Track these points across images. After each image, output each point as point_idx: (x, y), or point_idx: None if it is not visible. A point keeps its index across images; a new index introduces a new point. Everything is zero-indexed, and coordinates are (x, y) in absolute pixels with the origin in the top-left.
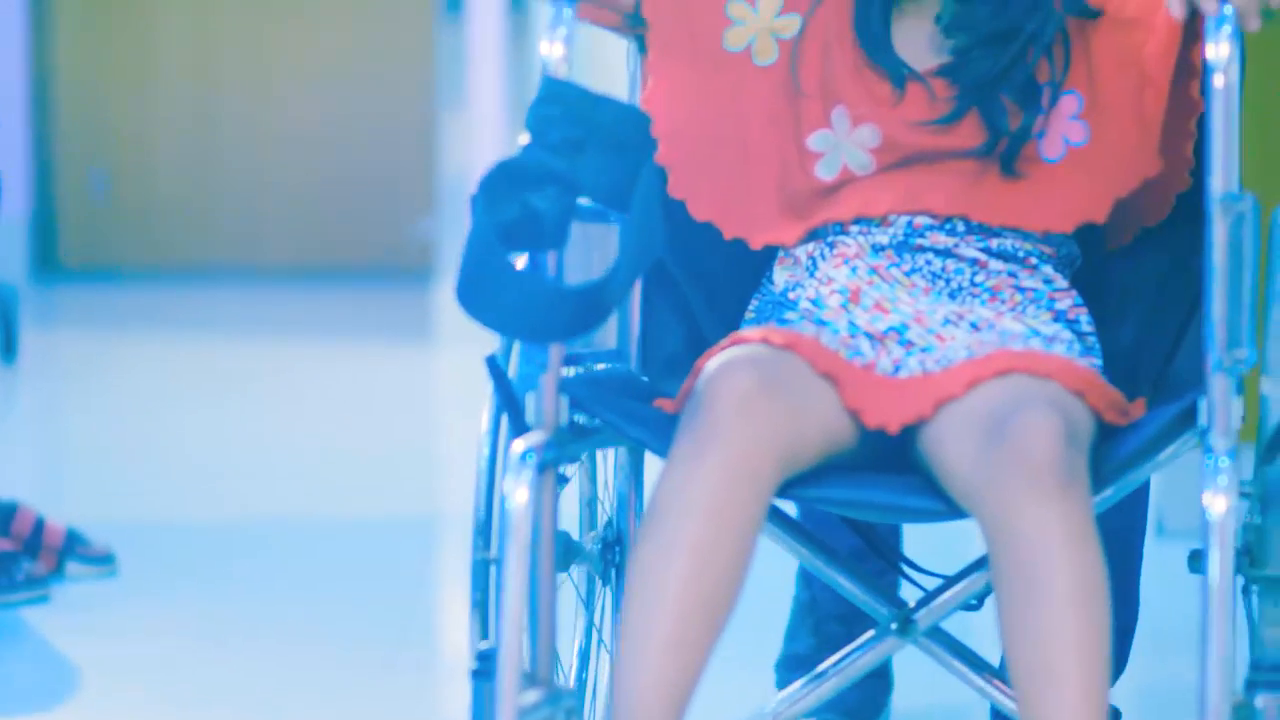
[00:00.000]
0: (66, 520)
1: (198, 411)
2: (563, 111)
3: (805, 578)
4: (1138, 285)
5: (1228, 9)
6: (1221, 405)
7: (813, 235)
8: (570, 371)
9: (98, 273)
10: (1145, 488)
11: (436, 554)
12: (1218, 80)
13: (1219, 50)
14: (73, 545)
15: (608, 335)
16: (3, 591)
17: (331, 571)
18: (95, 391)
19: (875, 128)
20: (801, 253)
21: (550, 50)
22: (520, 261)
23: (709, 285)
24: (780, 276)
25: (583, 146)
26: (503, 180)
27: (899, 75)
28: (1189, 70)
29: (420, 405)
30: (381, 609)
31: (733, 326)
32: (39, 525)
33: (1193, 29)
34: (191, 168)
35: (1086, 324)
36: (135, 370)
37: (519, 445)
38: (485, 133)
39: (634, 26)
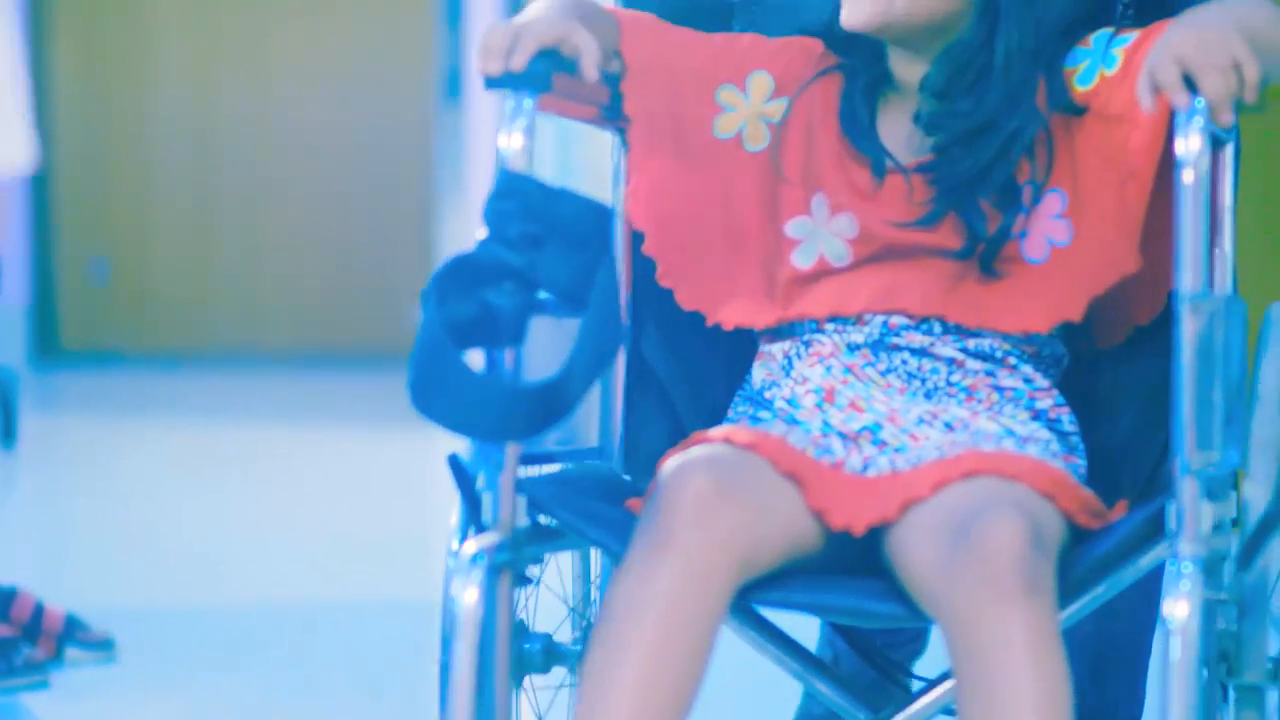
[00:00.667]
0: (66, 605)
1: (197, 496)
2: (520, 206)
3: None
4: (1130, 385)
5: (1199, 102)
6: (1190, 509)
7: (789, 332)
8: (536, 471)
9: (97, 357)
10: (1155, 584)
11: (434, 639)
12: (1186, 176)
13: (1188, 145)
14: (72, 630)
15: (590, 433)
16: (2, 677)
17: (330, 656)
18: (95, 476)
19: (853, 218)
20: (778, 350)
21: (509, 142)
22: (479, 358)
23: (693, 381)
24: (758, 375)
25: (541, 241)
26: (458, 276)
27: (880, 164)
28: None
29: (418, 490)
30: (381, 693)
31: (715, 424)
32: (38, 610)
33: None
34: (190, 254)
35: (1069, 423)
36: (135, 455)
37: (470, 546)
38: None
39: (610, 119)
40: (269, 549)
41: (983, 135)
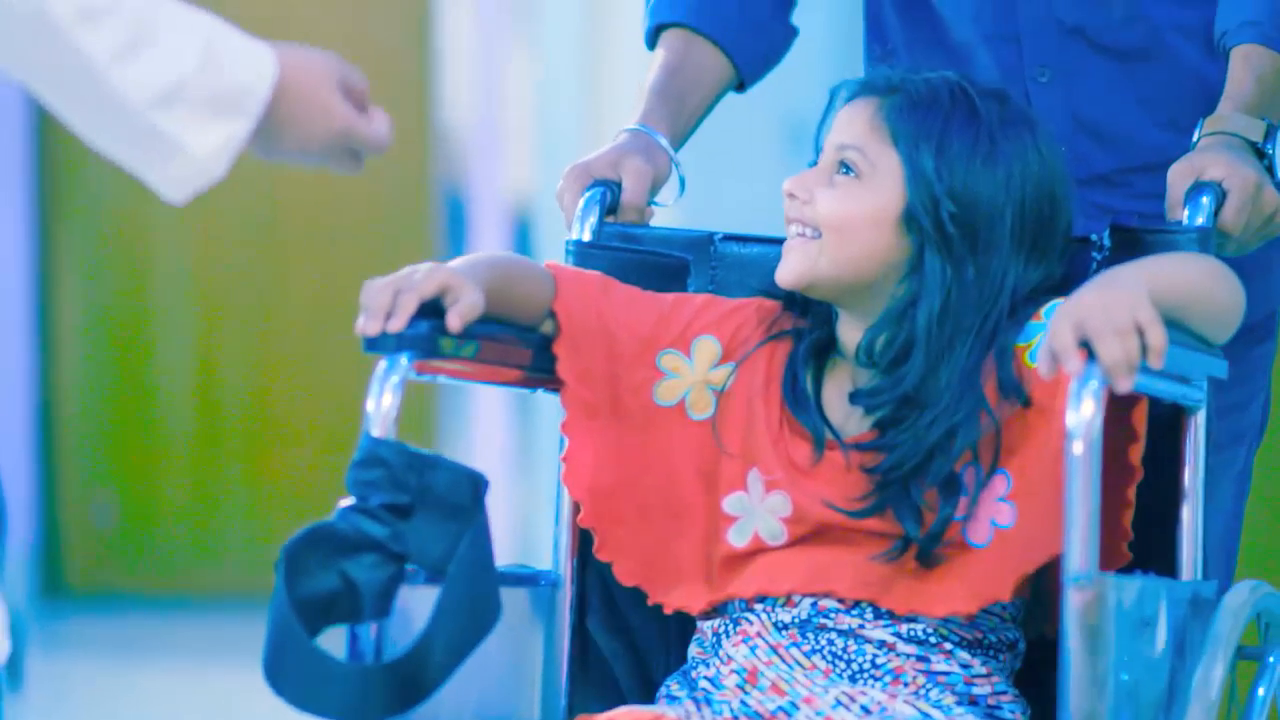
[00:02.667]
0: None
1: None
2: (385, 475)
3: None
4: None
5: (1094, 368)
6: None
7: (720, 610)
8: None
9: (103, 598)
10: None
11: None
12: (1075, 447)
13: (1079, 413)
14: None
15: (532, 707)
16: None
17: None
18: None
19: (786, 496)
20: (709, 628)
21: (377, 405)
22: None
23: (637, 656)
24: (692, 651)
25: (410, 511)
26: (316, 546)
27: (819, 438)
28: (1129, 434)
29: None
30: None
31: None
32: None
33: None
34: (196, 495)
35: (1011, 712)
36: (143, 700)
37: None
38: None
39: (539, 382)
40: None
41: (918, 418)
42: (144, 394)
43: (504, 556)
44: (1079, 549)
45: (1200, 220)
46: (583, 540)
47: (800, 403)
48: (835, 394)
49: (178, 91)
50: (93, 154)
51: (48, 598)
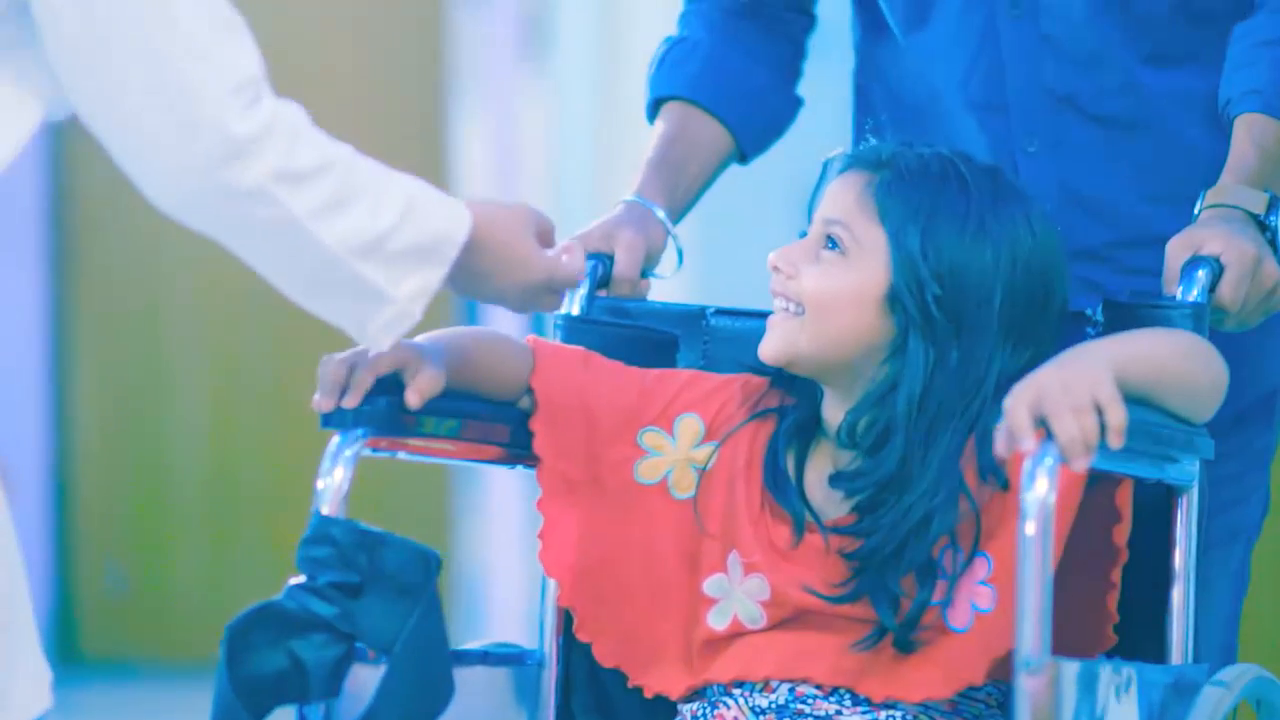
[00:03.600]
0: None
1: None
2: (334, 554)
3: None
4: None
5: (1053, 448)
6: None
7: (699, 693)
8: None
9: (119, 666)
10: None
11: None
12: (1028, 528)
13: (1033, 492)
14: None
15: None
16: None
17: None
18: None
19: (764, 580)
20: (687, 711)
21: (328, 481)
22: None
23: None
24: None
25: (361, 590)
26: (260, 626)
27: (799, 521)
28: (1113, 514)
29: None
30: None
31: None
32: None
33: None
34: (210, 561)
35: None
36: None
37: None
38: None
39: (517, 457)
40: None
41: (896, 502)
42: (159, 461)
43: (511, 635)
44: (1031, 633)
45: (1194, 296)
46: (568, 619)
47: (780, 485)
48: (817, 475)
49: (380, 243)
50: (107, 225)
51: (63, 665)
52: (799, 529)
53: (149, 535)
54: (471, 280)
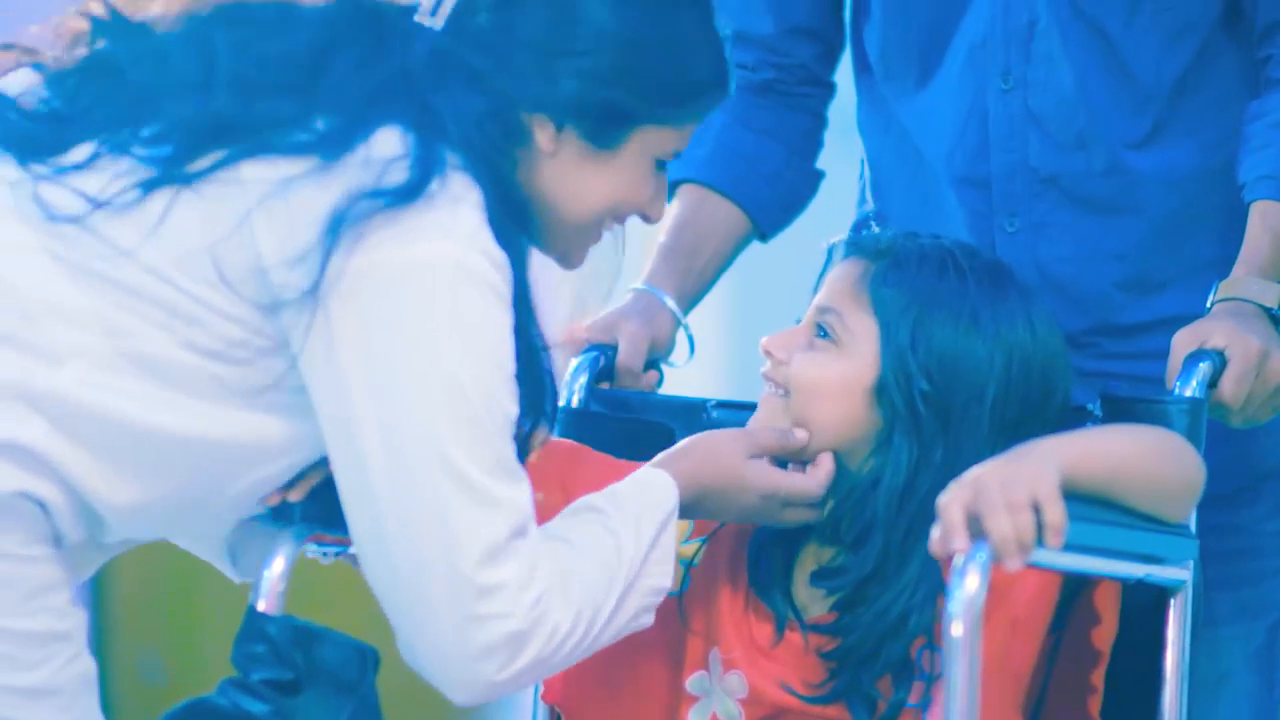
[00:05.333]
0: None
1: None
2: (269, 650)
3: None
4: None
5: (987, 546)
6: None
7: None
8: None
9: None
10: None
11: None
12: (955, 629)
13: (962, 592)
14: None
15: None
16: None
17: None
18: None
19: (743, 677)
20: None
21: (264, 577)
22: None
23: None
24: None
25: (299, 687)
26: None
27: (781, 619)
28: (1094, 616)
29: None
30: None
31: None
32: None
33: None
34: None
35: None
36: None
37: None
38: None
39: None
40: None
41: (875, 601)
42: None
43: None
44: None
45: (1191, 391)
46: (556, 716)
47: (766, 583)
48: (802, 572)
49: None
50: None
51: None
52: (780, 627)
53: (184, 625)
54: (702, 514)
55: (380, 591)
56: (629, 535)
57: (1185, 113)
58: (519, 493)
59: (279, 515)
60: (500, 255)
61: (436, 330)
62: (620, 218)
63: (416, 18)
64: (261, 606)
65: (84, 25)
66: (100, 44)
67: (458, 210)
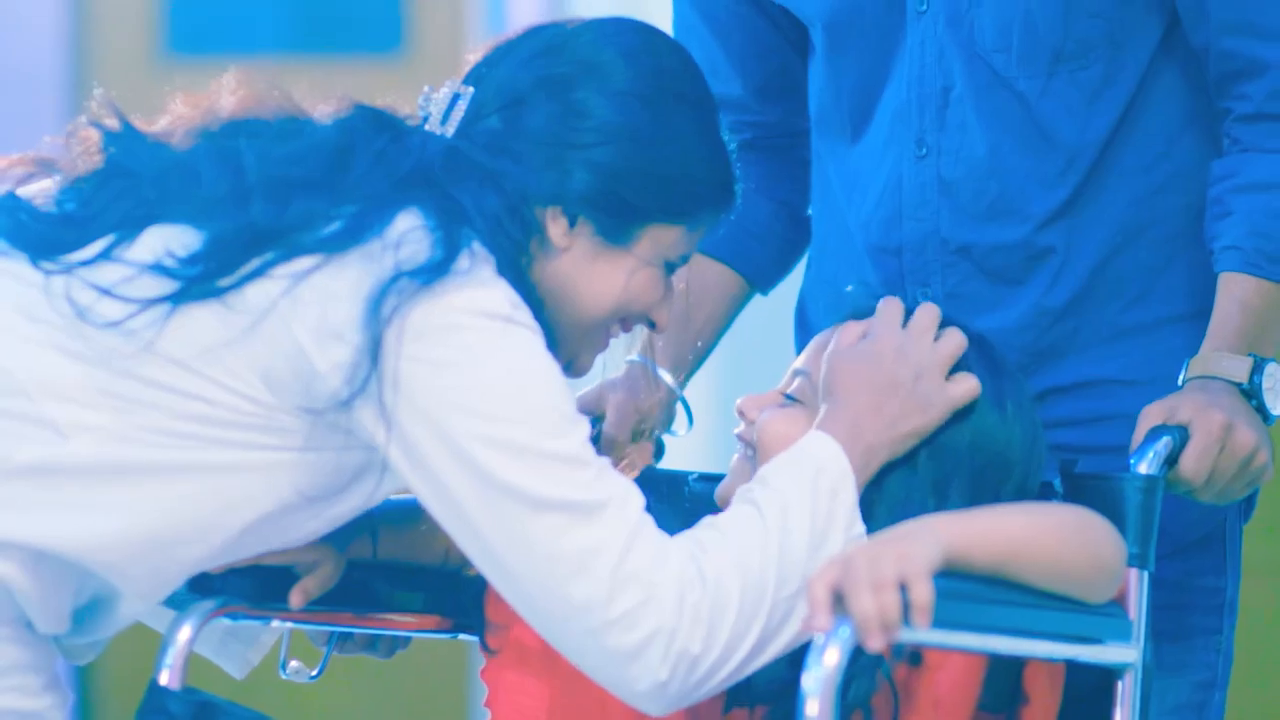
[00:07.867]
0: None
1: None
2: None
3: None
4: None
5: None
6: None
7: None
8: None
9: None
10: None
11: None
12: (810, 707)
13: (821, 668)
14: None
15: None
16: None
17: None
18: None
19: None
20: None
21: (172, 646)
22: None
23: None
24: None
25: None
26: None
27: (730, 696)
28: (1022, 696)
29: None
30: None
31: None
32: None
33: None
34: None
35: None
36: None
37: None
38: None
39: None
40: None
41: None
42: None
43: None
44: None
45: (1145, 468)
46: None
47: None
48: None
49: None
50: None
51: None
52: (728, 703)
53: None
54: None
55: (532, 624)
56: (773, 507)
57: (1116, 168)
58: (616, 492)
59: (195, 587)
60: (535, 323)
61: (497, 373)
62: (628, 321)
63: (427, 127)
64: (164, 680)
65: (95, 135)
66: (112, 152)
67: (493, 281)
